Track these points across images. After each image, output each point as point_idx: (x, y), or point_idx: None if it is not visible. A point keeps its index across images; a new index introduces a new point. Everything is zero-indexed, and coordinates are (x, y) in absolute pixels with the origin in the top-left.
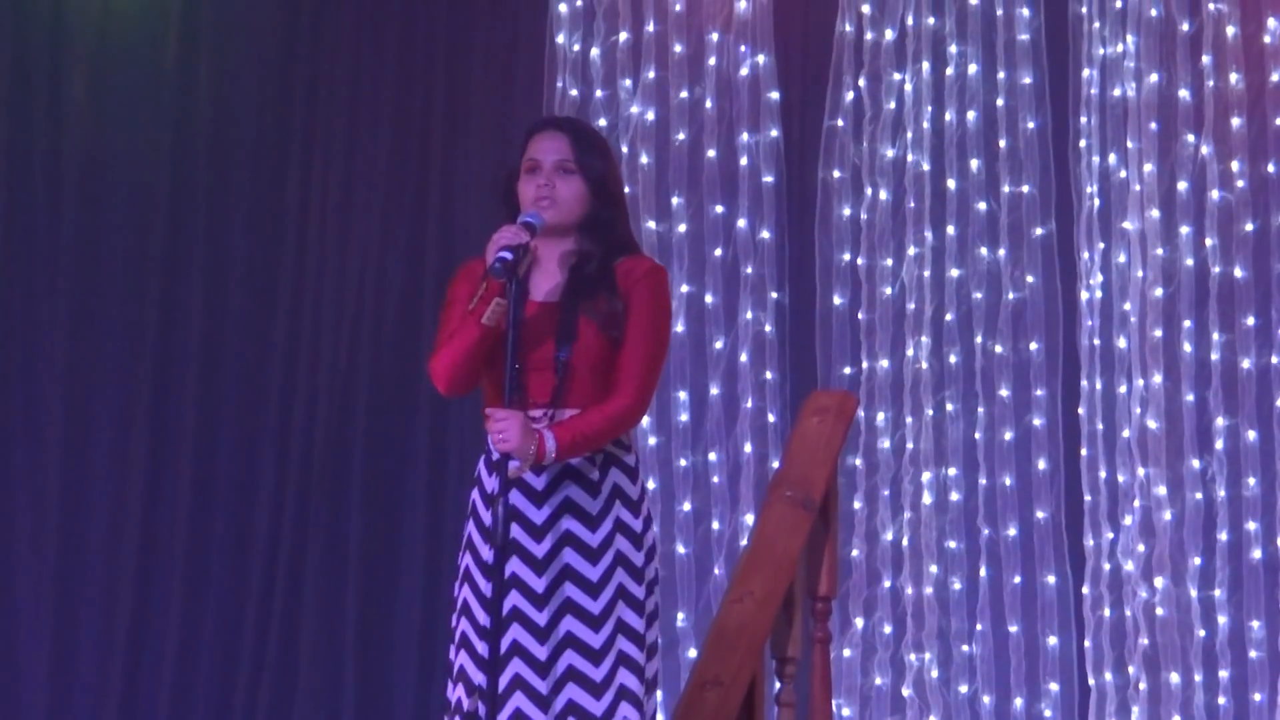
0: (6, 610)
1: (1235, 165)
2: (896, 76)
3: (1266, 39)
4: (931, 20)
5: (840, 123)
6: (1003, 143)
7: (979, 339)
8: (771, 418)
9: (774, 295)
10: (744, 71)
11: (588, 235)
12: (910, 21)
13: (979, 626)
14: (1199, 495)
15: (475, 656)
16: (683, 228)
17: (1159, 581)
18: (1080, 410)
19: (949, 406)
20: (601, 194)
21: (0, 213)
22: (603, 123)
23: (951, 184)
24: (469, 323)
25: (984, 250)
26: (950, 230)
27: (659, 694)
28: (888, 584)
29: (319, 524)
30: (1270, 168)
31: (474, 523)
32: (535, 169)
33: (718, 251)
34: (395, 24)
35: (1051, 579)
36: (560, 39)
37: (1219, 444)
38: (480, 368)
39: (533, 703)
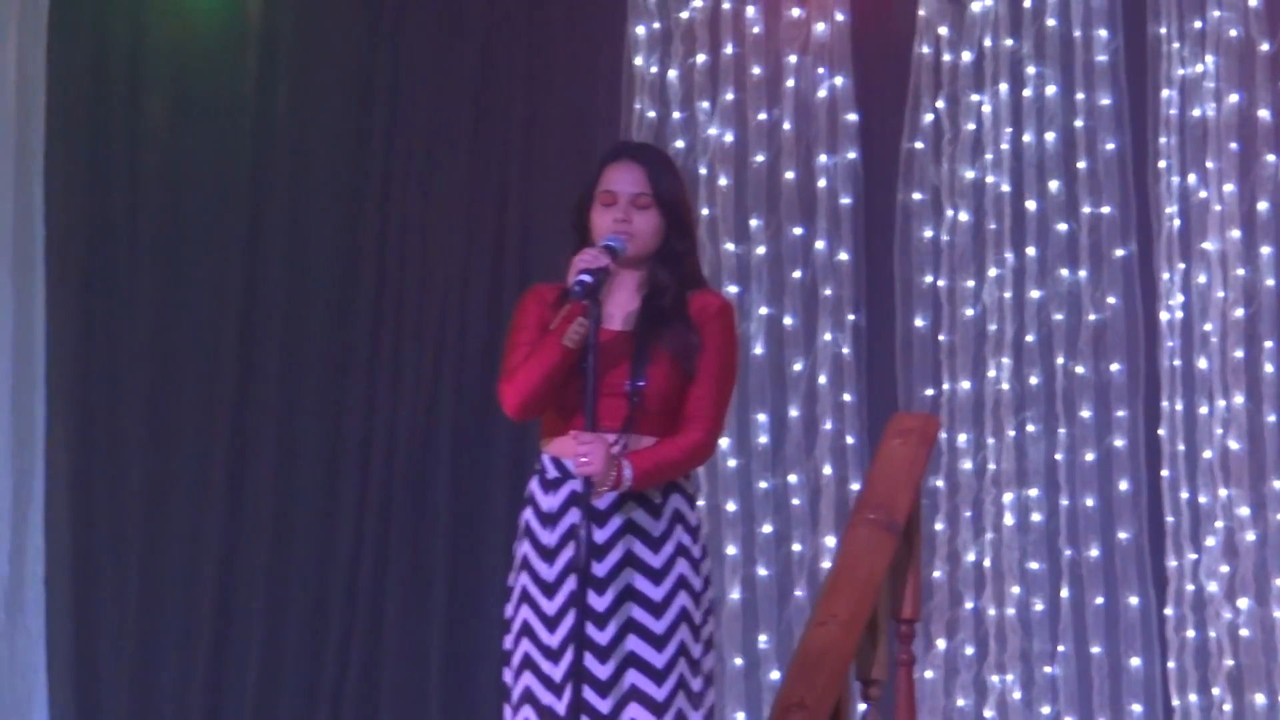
0: (89, 634)
1: None
2: (975, 98)
3: None
4: (1009, 42)
5: (919, 144)
6: (1082, 164)
7: (1060, 360)
8: (850, 439)
9: (852, 317)
10: (822, 93)
11: (662, 267)
12: (988, 43)
13: (1061, 648)
14: None
15: (542, 678)
16: (761, 250)
17: (1242, 602)
18: (1161, 431)
19: (1030, 428)
20: (676, 226)
21: (81, 234)
22: (680, 144)
23: (1031, 205)
24: (550, 344)
25: (1064, 271)
26: (1030, 251)
27: (741, 715)
28: (970, 605)
29: (401, 547)
30: None
31: (529, 543)
32: (611, 201)
33: (796, 273)
34: (474, 48)
35: (1134, 600)
36: (638, 61)
37: None
38: (558, 391)
39: None
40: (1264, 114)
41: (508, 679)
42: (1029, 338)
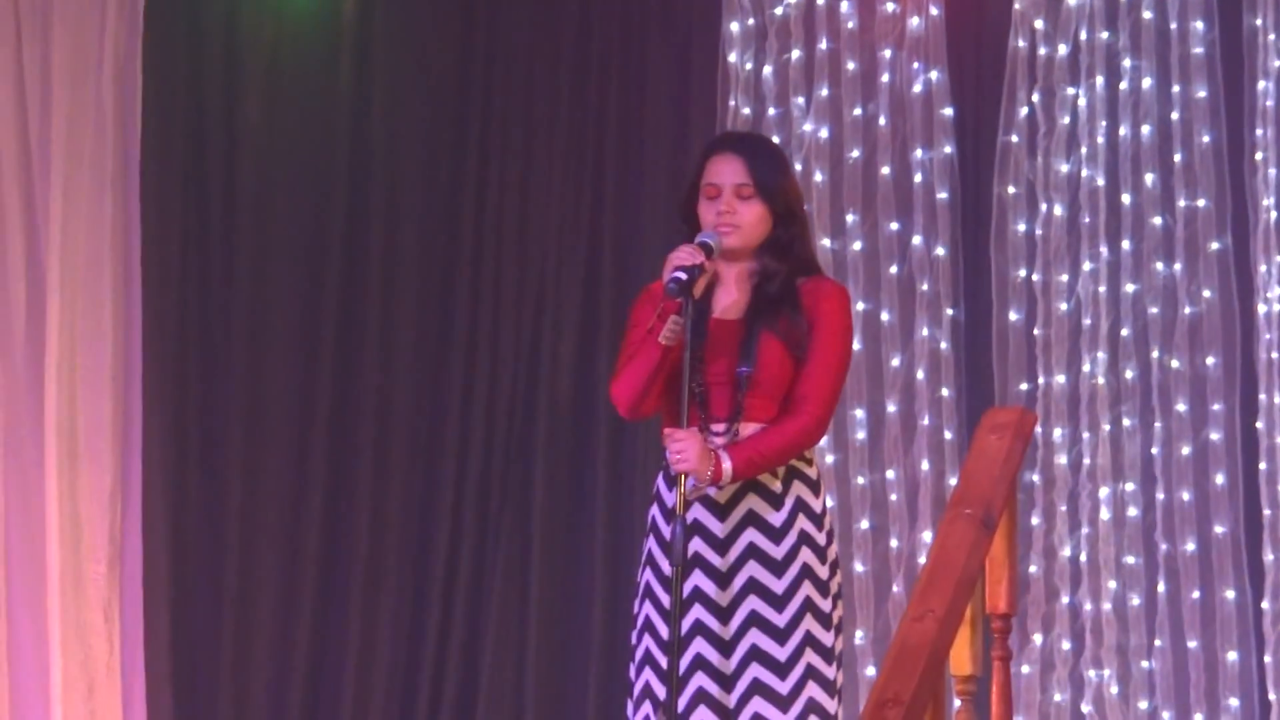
0: (186, 634)
1: None
2: (1070, 91)
3: None
4: (1105, 35)
5: (1014, 138)
6: (1178, 157)
7: (1155, 354)
8: (948, 435)
9: (949, 312)
10: (917, 88)
11: (770, 254)
12: (1083, 36)
13: (1158, 642)
14: None
15: (661, 673)
16: (858, 245)
17: None
18: (1259, 424)
19: (1126, 422)
20: (782, 214)
21: (178, 235)
22: (775, 140)
23: (1126, 199)
24: (648, 343)
25: (1160, 265)
26: (1126, 245)
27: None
28: (1066, 600)
29: (498, 544)
30: None
31: (654, 538)
32: (714, 194)
33: (893, 269)
34: (568, 45)
35: (1231, 594)
36: (732, 58)
37: None
38: (663, 389)
39: (717, 716)
40: None
41: (631, 674)
42: (1124, 331)
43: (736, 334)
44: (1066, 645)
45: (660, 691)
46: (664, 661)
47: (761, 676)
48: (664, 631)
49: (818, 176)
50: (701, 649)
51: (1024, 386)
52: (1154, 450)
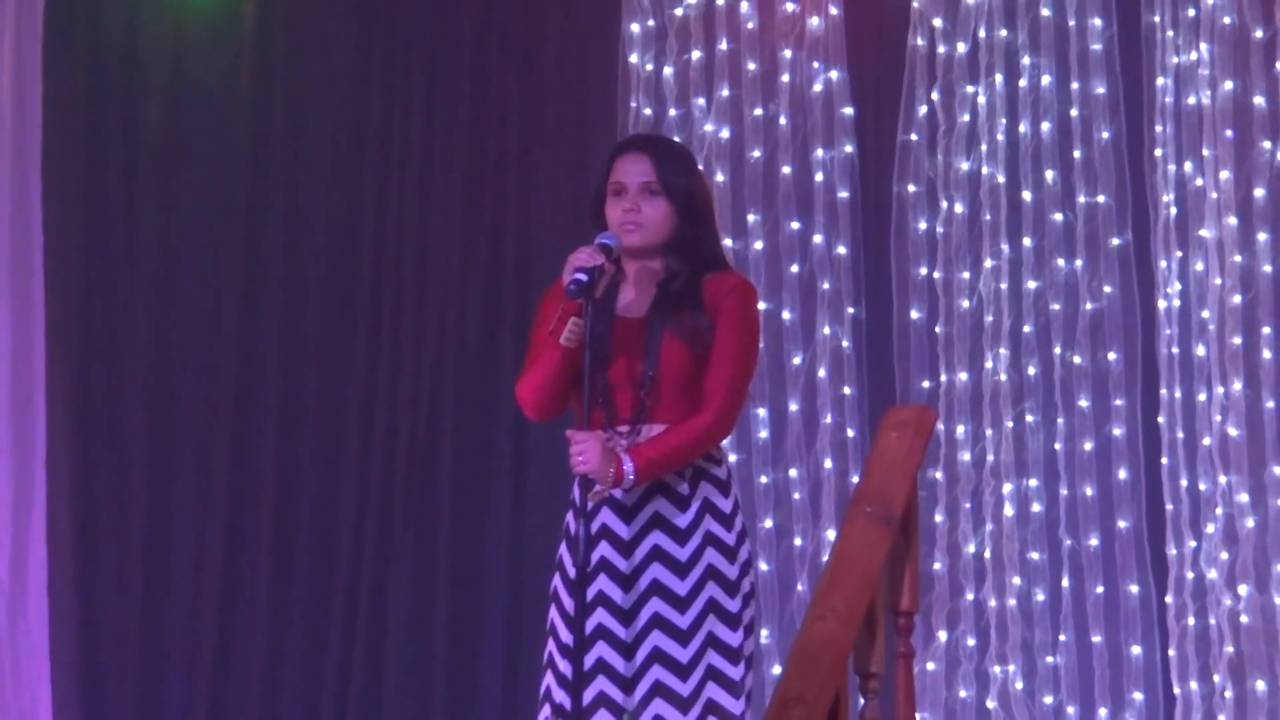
0: (92, 641)
1: None
2: (970, 89)
3: None
4: (1004, 32)
5: (914, 137)
6: (1078, 153)
7: (1058, 350)
8: (851, 433)
9: (851, 310)
10: (817, 88)
11: (674, 254)
12: (983, 34)
13: (1062, 637)
14: None
15: (559, 676)
16: (759, 245)
17: (1243, 589)
18: (1160, 419)
19: (1029, 418)
20: (687, 213)
21: (79, 238)
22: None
23: (1027, 196)
24: (550, 345)
25: (1061, 261)
26: (1027, 242)
27: None
28: (970, 596)
29: (403, 546)
30: None
31: (566, 543)
32: (620, 192)
33: (794, 268)
34: (468, 47)
35: (1134, 588)
36: (633, 59)
37: None
38: (567, 390)
39: (616, 719)
40: (1259, 101)
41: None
42: (1026, 328)
43: (639, 333)
44: (971, 641)
45: (559, 695)
46: (563, 665)
47: (663, 678)
48: (565, 636)
49: (719, 177)
50: (603, 653)
51: (926, 384)
52: (1057, 446)
